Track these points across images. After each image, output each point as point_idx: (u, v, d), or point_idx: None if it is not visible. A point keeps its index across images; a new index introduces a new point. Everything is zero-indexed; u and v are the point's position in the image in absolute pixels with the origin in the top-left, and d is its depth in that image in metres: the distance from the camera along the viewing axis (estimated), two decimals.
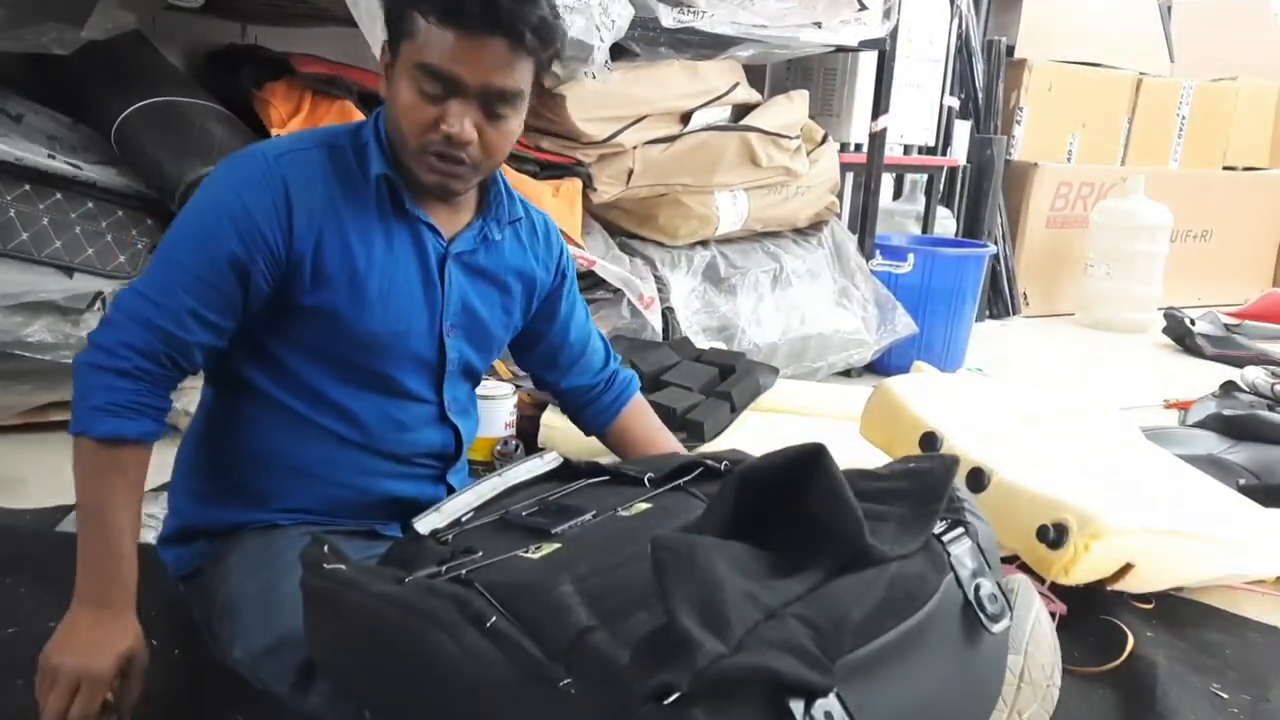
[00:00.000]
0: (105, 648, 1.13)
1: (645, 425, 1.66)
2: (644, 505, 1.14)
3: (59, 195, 2.08)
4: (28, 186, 2.05)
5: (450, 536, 1.10)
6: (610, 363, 1.64)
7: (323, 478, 1.30)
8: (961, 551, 0.98)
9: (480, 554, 1.01)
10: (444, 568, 0.99)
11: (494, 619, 0.88)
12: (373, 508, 1.34)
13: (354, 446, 1.31)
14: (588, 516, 1.10)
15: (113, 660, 1.12)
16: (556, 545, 1.03)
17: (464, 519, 1.14)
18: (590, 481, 1.26)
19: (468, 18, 1.15)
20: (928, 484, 1.00)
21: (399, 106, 1.21)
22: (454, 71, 1.17)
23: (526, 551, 1.01)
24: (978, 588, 0.98)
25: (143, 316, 1.17)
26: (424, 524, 1.11)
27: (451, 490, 1.38)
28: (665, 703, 0.73)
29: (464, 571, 0.96)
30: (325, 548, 1.05)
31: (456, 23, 1.15)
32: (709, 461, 1.25)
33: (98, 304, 2.11)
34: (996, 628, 0.98)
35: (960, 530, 1.01)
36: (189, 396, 2.18)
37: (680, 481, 1.21)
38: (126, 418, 1.16)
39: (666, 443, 1.66)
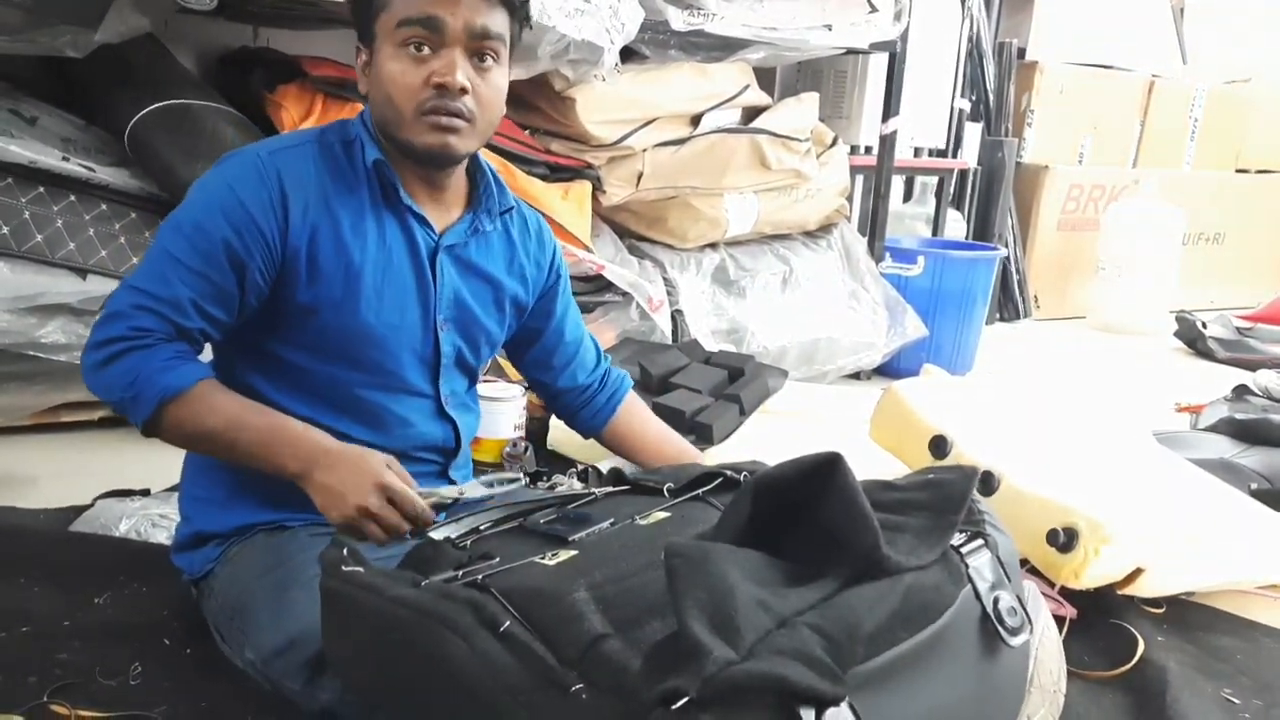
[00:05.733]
0: (365, 459, 1.17)
1: (644, 423, 1.65)
2: (662, 514, 1.13)
3: (73, 197, 2.09)
4: (42, 189, 2.06)
5: (468, 542, 1.10)
6: (602, 363, 1.64)
7: None
8: (980, 563, 0.97)
9: (497, 559, 1.01)
10: (460, 572, 0.99)
11: (508, 624, 0.88)
12: None
13: (355, 443, 1.31)
14: (605, 524, 1.10)
15: (380, 460, 1.18)
16: (573, 552, 1.02)
17: (481, 526, 1.14)
18: (609, 490, 1.26)
19: None
20: (946, 495, 0.99)
21: (388, 79, 1.22)
22: (435, 13, 1.19)
23: (543, 558, 1.01)
24: (996, 600, 0.96)
25: (144, 306, 1.19)
26: (440, 534, 1.12)
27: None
28: (674, 708, 0.72)
29: (480, 576, 0.96)
30: (344, 550, 1.05)
31: None
32: (728, 471, 1.24)
33: None
34: (1015, 641, 0.97)
35: (979, 542, 1.00)
36: None
37: (699, 491, 1.21)
38: (188, 362, 1.19)
39: (667, 438, 1.66)
